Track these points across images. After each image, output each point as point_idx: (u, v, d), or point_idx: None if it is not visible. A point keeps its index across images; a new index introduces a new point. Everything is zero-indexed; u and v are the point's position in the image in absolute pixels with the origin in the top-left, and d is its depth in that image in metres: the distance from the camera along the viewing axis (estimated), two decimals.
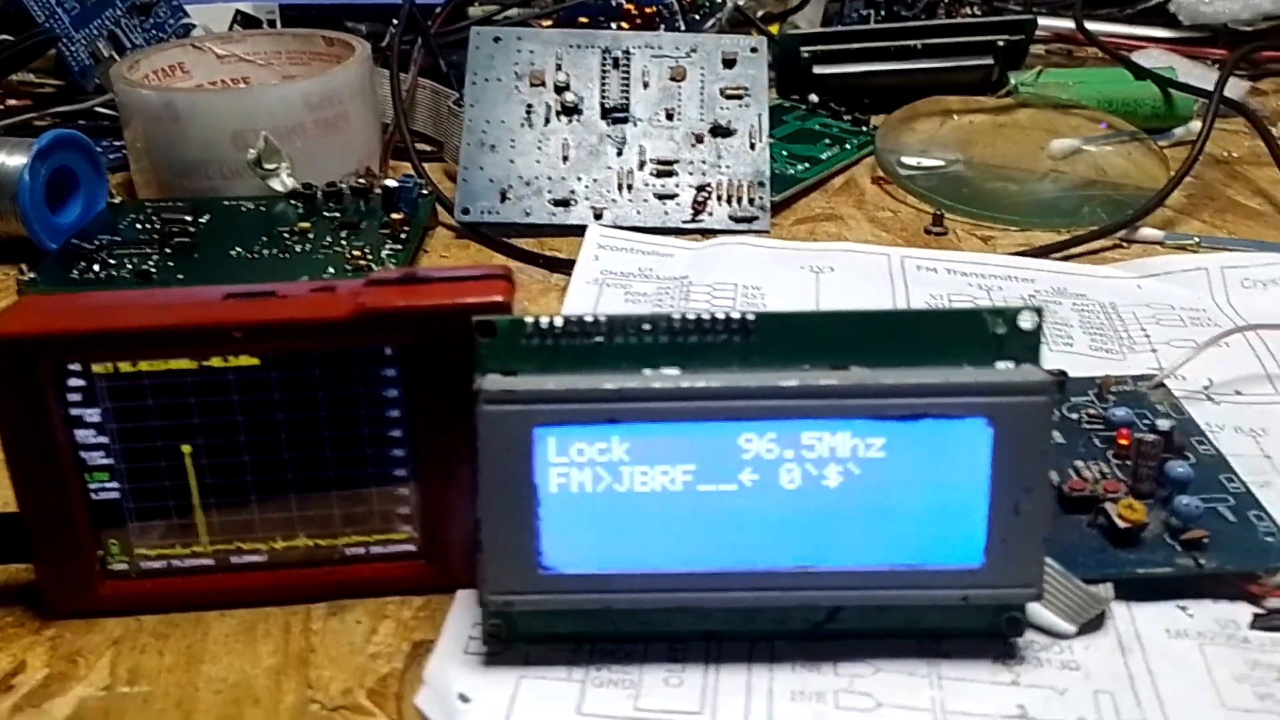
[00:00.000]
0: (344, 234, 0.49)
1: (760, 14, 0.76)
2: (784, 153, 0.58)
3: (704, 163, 0.52)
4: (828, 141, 0.60)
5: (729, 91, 0.54)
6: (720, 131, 0.53)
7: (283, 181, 0.53)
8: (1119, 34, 0.72)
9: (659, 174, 0.52)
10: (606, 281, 0.46)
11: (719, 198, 0.52)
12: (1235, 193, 0.55)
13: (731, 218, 0.52)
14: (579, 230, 0.50)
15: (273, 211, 0.51)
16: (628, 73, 0.54)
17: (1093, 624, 0.29)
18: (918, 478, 0.27)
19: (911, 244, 0.50)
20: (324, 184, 0.52)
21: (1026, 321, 0.28)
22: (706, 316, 0.28)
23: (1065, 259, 0.48)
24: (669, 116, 0.53)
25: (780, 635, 0.29)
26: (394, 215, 0.49)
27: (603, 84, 0.53)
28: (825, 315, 0.28)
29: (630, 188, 0.52)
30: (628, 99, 0.53)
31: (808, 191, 0.55)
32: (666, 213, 0.51)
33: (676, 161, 0.52)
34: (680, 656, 0.28)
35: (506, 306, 0.28)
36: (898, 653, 0.28)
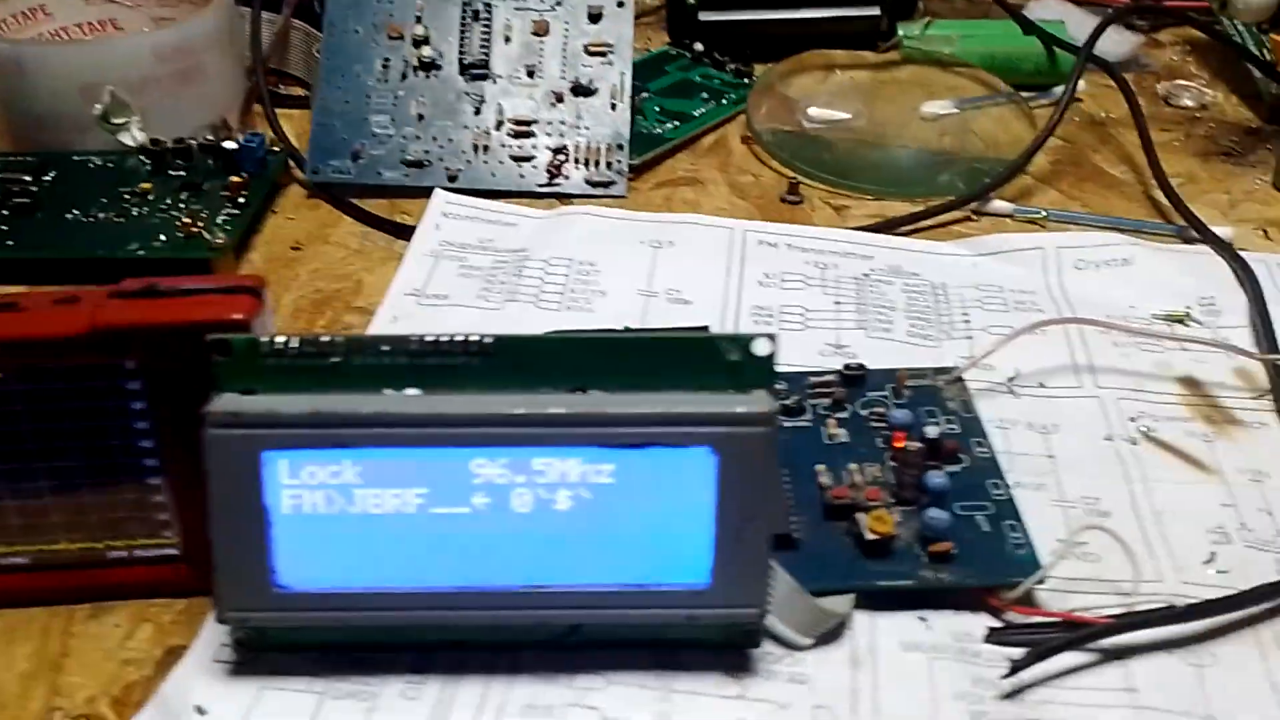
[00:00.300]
0: (184, 196, 0.48)
1: None
2: (657, 109, 0.57)
3: (563, 123, 0.52)
4: (705, 96, 0.59)
5: (592, 48, 0.53)
6: (581, 91, 0.52)
7: (133, 136, 0.52)
8: None
9: (516, 135, 0.52)
10: (444, 254, 0.46)
11: (576, 161, 0.51)
12: (1102, 158, 0.54)
13: (588, 182, 0.51)
14: (433, 192, 0.50)
15: (123, 168, 0.50)
16: (489, 26, 0.53)
17: (830, 635, 0.30)
18: (646, 502, 0.28)
19: (765, 213, 0.50)
20: (175, 139, 0.51)
21: (760, 349, 0.28)
22: (445, 339, 0.28)
23: (913, 233, 0.48)
24: (530, 74, 0.52)
25: (525, 645, 0.30)
26: (234, 178, 0.48)
27: (462, 38, 0.52)
28: (565, 340, 0.28)
29: (486, 149, 0.51)
30: (488, 54, 0.52)
31: (675, 151, 0.54)
32: (522, 175, 0.51)
33: (535, 122, 0.52)
34: (424, 667, 0.29)
35: (245, 325, 0.28)
36: (635, 665, 0.29)
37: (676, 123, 0.56)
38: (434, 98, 0.52)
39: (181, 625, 0.30)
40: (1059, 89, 0.60)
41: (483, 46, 0.52)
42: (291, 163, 0.52)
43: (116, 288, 0.29)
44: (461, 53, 0.52)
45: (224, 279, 0.30)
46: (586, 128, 0.52)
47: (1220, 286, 0.44)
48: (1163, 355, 0.40)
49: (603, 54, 0.53)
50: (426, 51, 0.52)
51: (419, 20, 0.52)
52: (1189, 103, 0.59)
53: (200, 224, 0.46)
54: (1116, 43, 0.63)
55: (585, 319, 0.42)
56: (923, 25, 0.62)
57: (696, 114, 0.57)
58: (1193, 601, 0.30)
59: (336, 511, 0.27)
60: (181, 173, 0.50)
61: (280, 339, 0.28)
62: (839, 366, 0.39)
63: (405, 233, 0.48)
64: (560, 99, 0.52)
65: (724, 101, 0.58)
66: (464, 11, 0.53)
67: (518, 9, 0.53)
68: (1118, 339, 0.41)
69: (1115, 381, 0.39)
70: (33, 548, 0.30)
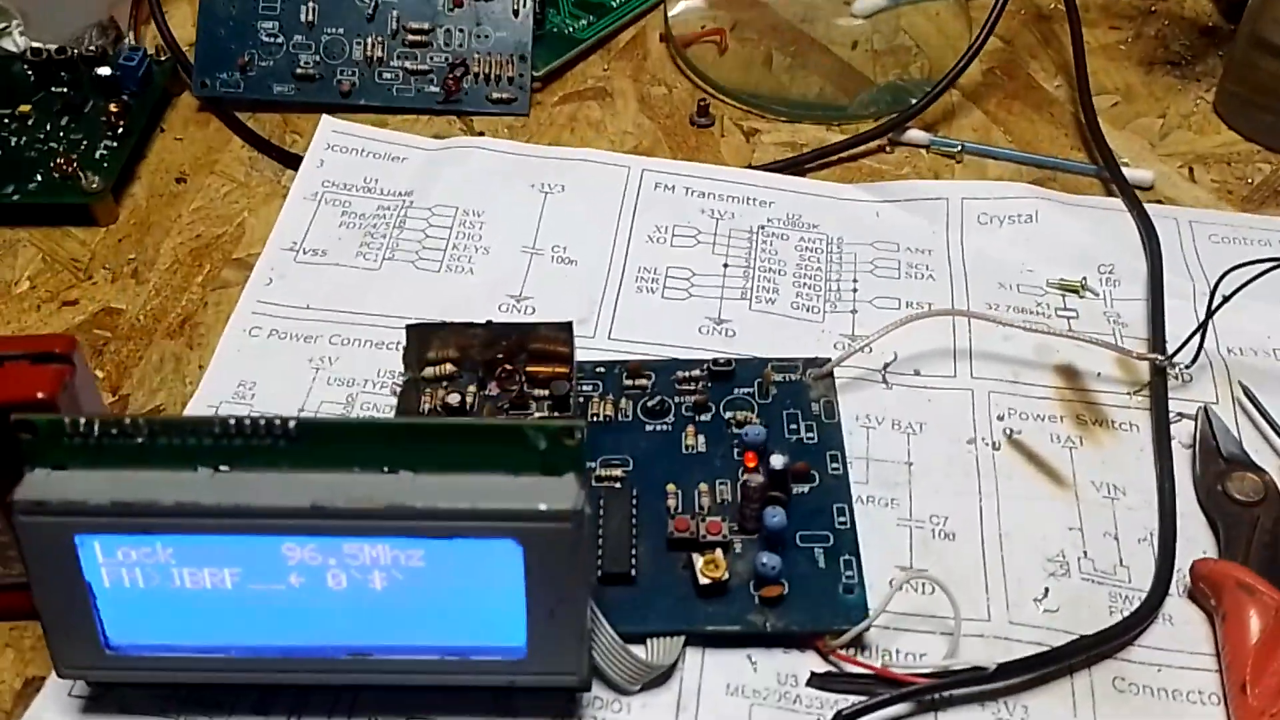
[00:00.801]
0: (65, 121, 0.46)
1: None
2: (570, 1, 0.53)
3: (461, 31, 0.49)
4: None
5: None
6: None
7: (14, 41, 0.49)
8: None
9: (412, 44, 0.49)
10: (326, 196, 0.44)
11: (476, 75, 0.49)
12: (1039, 66, 0.51)
13: (488, 99, 0.49)
14: (326, 108, 0.48)
15: (8, 76, 0.48)
16: None
17: (659, 679, 0.31)
18: (458, 582, 0.28)
19: (671, 138, 0.48)
20: (58, 48, 0.48)
21: (570, 438, 0.27)
22: (248, 422, 0.27)
23: (822, 168, 0.46)
24: None
25: (365, 686, 0.31)
26: (113, 105, 0.46)
27: None
28: (374, 426, 0.28)
29: (381, 61, 0.48)
30: None
31: (588, 53, 0.51)
32: (419, 90, 0.48)
33: (431, 30, 0.49)
34: (269, 707, 0.30)
35: (52, 403, 0.28)
36: (473, 706, 0.30)
37: (591, 18, 0.52)
38: (326, 4, 0.48)
39: (41, 652, 0.31)
40: None
41: None
42: (182, 71, 0.49)
43: None
44: None
45: (34, 341, 0.29)
46: (486, 36, 0.49)
47: (1124, 250, 0.42)
48: (1046, 337, 0.39)
49: None
50: None
51: None
52: None
53: (76, 163, 0.44)
54: None
55: (464, 283, 0.41)
56: None
57: (615, 3, 0.53)
58: (1004, 661, 0.30)
59: (156, 585, 0.28)
60: (64, 89, 0.47)
61: (84, 421, 0.27)
62: (711, 353, 0.38)
63: (293, 161, 0.46)
64: (459, 4, 0.49)
65: None
66: None
67: None
68: (1001, 316, 0.40)
69: (991, 370, 0.39)
70: None
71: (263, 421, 0.27)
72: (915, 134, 0.47)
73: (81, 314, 0.41)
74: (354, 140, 0.46)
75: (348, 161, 0.45)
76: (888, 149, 0.47)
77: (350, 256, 0.42)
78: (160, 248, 0.43)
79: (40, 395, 0.27)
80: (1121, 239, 0.43)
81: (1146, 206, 0.43)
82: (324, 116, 0.47)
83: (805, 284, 0.41)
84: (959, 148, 0.47)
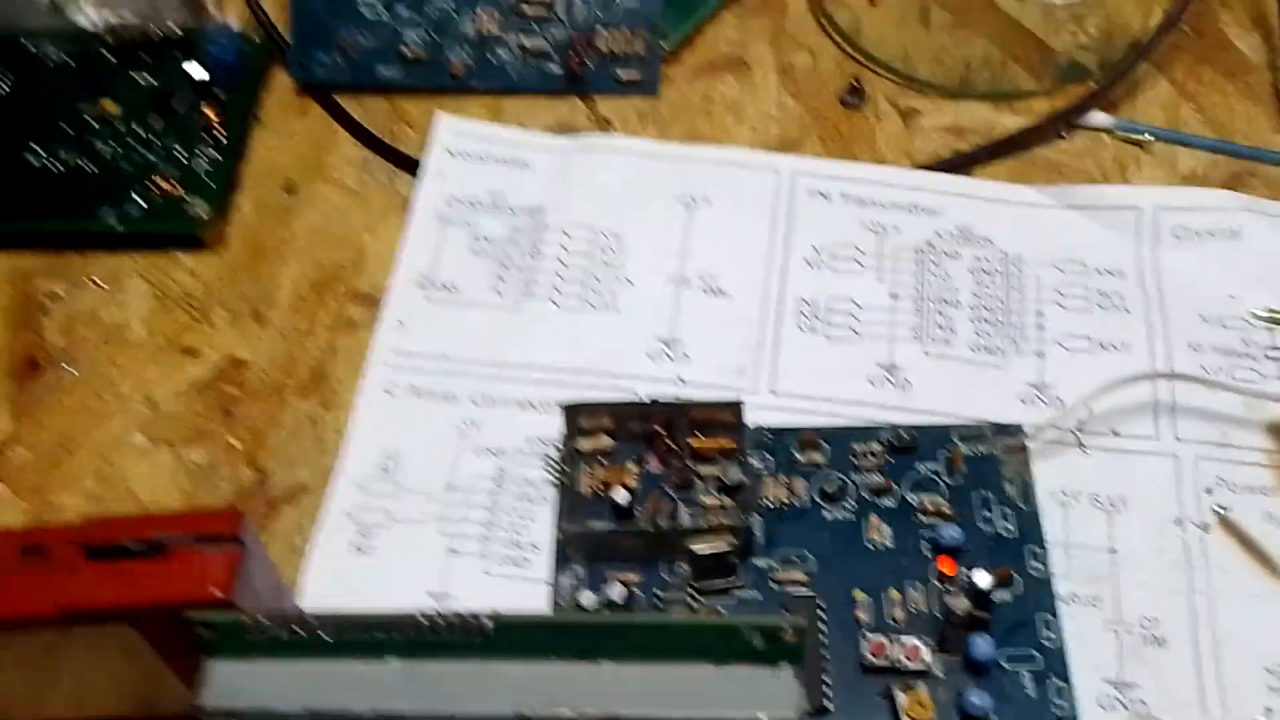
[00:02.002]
0: (152, 120, 0.42)
1: None
2: None
3: (584, 2, 0.43)
4: None
5: None
6: None
7: (87, 15, 0.45)
8: None
9: (529, 18, 0.43)
10: (452, 217, 0.40)
11: (600, 53, 0.44)
12: (1231, 18, 0.45)
13: (615, 80, 0.44)
14: (439, 89, 0.43)
15: (85, 63, 0.44)
16: None
17: None
18: None
19: (821, 120, 0.43)
20: (135, 18, 0.44)
21: (788, 635, 0.25)
22: (442, 621, 0.25)
23: (992, 158, 0.41)
24: None
25: None
26: (207, 109, 0.42)
27: None
28: (572, 626, 0.26)
29: (495, 38, 0.43)
30: None
31: (719, 11, 0.46)
32: (540, 70, 0.44)
33: (549, 3, 0.43)
34: None
35: (227, 601, 0.26)
36: None
37: None
38: None
39: None
40: None
41: None
42: (274, 43, 0.45)
43: (86, 537, 0.26)
44: None
45: (197, 521, 0.26)
46: (612, 6, 0.43)
47: None
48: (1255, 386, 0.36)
49: None
50: None
51: None
52: None
53: (178, 183, 0.40)
54: None
55: (609, 325, 0.38)
56: None
57: None
58: None
59: None
60: (147, 79, 0.43)
61: (268, 621, 0.25)
62: (886, 410, 0.35)
63: (407, 163, 0.42)
64: None
65: None
66: None
67: None
68: (1205, 360, 0.36)
69: (1196, 430, 0.35)
70: None
71: (457, 620, 0.25)
72: (1097, 116, 0.42)
73: (205, 366, 0.38)
74: (474, 143, 0.42)
75: (469, 170, 0.41)
76: (1065, 134, 0.42)
77: (484, 292, 0.39)
78: (278, 279, 0.40)
79: (215, 593, 0.25)
80: None
81: None
82: (438, 114, 0.42)
83: (983, 318, 0.38)
84: (1146, 135, 0.42)
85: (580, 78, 0.44)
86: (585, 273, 0.39)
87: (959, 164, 0.41)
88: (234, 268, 0.40)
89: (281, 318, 0.39)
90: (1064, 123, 0.42)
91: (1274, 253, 0.38)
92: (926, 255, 0.39)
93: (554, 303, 0.38)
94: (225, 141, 0.42)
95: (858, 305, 0.38)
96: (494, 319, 0.38)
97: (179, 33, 0.44)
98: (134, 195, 0.41)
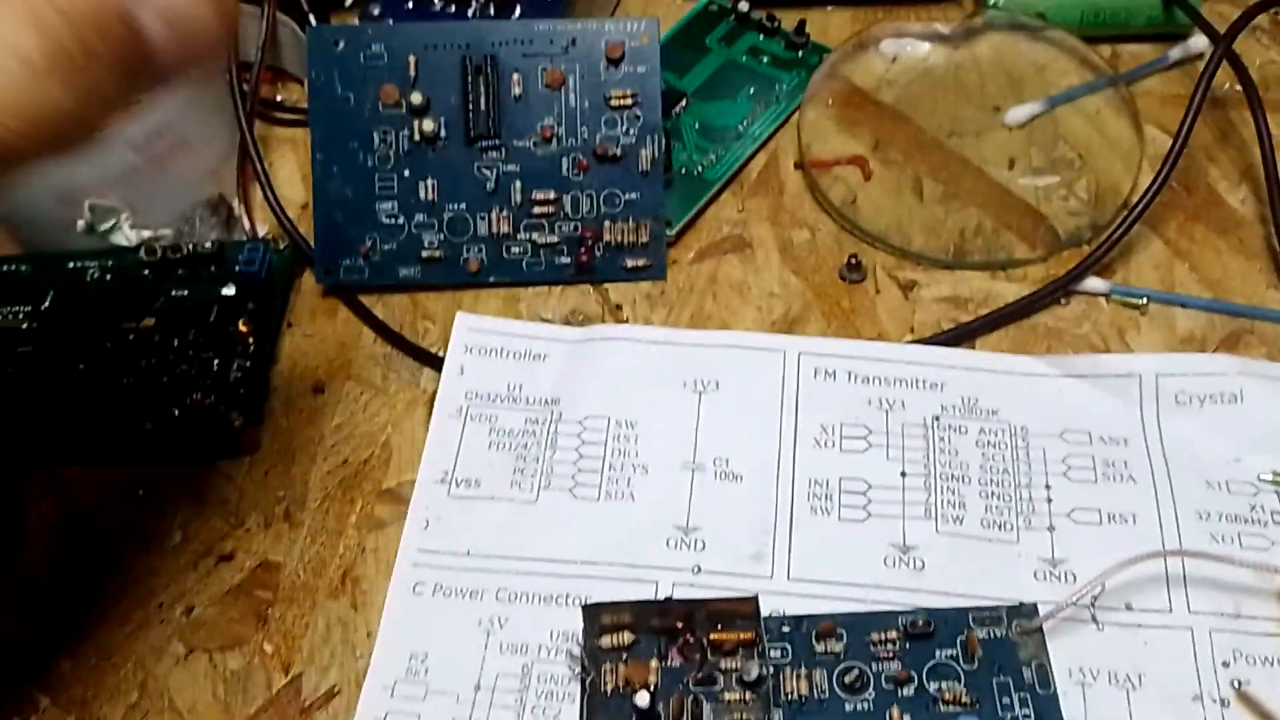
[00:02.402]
0: (191, 335, 0.44)
1: None
2: (695, 125, 0.50)
3: (590, 197, 0.45)
4: (751, 91, 0.51)
5: (615, 100, 0.45)
6: (606, 158, 0.45)
7: (126, 236, 0.47)
8: None
9: (539, 215, 0.46)
10: (471, 411, 0.42)
11: (608, 244, 0.45)
12: (1219, 172, 0.46)
13: (623, 268, 0.46)
14: (457, 285, 0.46)
15: (124, 274, 0.46)
16: (495, 84, 0.45)
17: None
18: None
19: (822, 296, 0.44)
20: (171, 233, 0.47)
21: None
22: None
23: (993, 328, 0.43)
24: (547, 140, 0.45)
25: None
26: (241, 325, 0.44)
27: (467, 100, 0.45)
28: None
29: (508, 235, 0.46)
30: (498, 120, 0.45)
31: (719, 193, 0.48)
32: (551, 262, 0.46)
33: (559, 200, 0.45)
34: None
35: None
36: None
37: (719, 150, 0.49)
38: (443, 177, 0.45)
39: None
40: (1174, 51, 0.51)
41: (490, 108, 0.45)
42: (300, 246, 0.47)
43: None
44: (469, 117, 0.45)
45: None
46: (616, 200, 0.46)
47: None
48: (1267, 555, 0.36)
49: (627, 106, 0.45)
50: (428, 125, 0.45)
51: (414, 82, 0.45)
52: None
53: (214, 397, 0.42)
54: None
55: (626, 513, 0.39)
56: None
57: (742, 127, 0.50)
58: None
59: None
60: (183, 290, 0.46)
61: None
62: (901, 593, 0.36)
63: (430, 359, 0.44)
64: (584, 168, 0.45)
65: (778, 93, 0.51)
66: (465, 64, 0.45)
67: (525, 55, 0.45)
68: (1213, 528, 0.37)
69: (1209, 601, 0.36)
70: None
71: None
72: (1094, 282, 0.43)
73: (240, 571, 0.40)
74: (491, 338, 0.44)
75: (488, 366, 0.43)
76: (1062, 300, 0.43)
77: (505, 487, 0.40)
78: (309, 479, 0.42)
79: None
80: None
81: None
82: (458, 314, 0.44)
83: (993, 493, 0.39)
84: (1145, 301, 0.43)
85: (590, 267, 0.46)
86: (601, 462, 0.40)
87: (960, 336, 0.42)
88: (267, 470, 0.42)
89: (312, 519, 0.41)
90: (1061, 290, 0.43)
91: (1276, 416, 0.39)
92: (933, 430, 0.40)
93: (572, 493, 0.40)
94: (256, 350, 0.44)
95: (868, 484, 0.39)
96: (514, 512, 0.39)
97: (212, 247, 0.46)
98: (172, 408, 0.43)
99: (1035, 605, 0.35)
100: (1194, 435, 0.39)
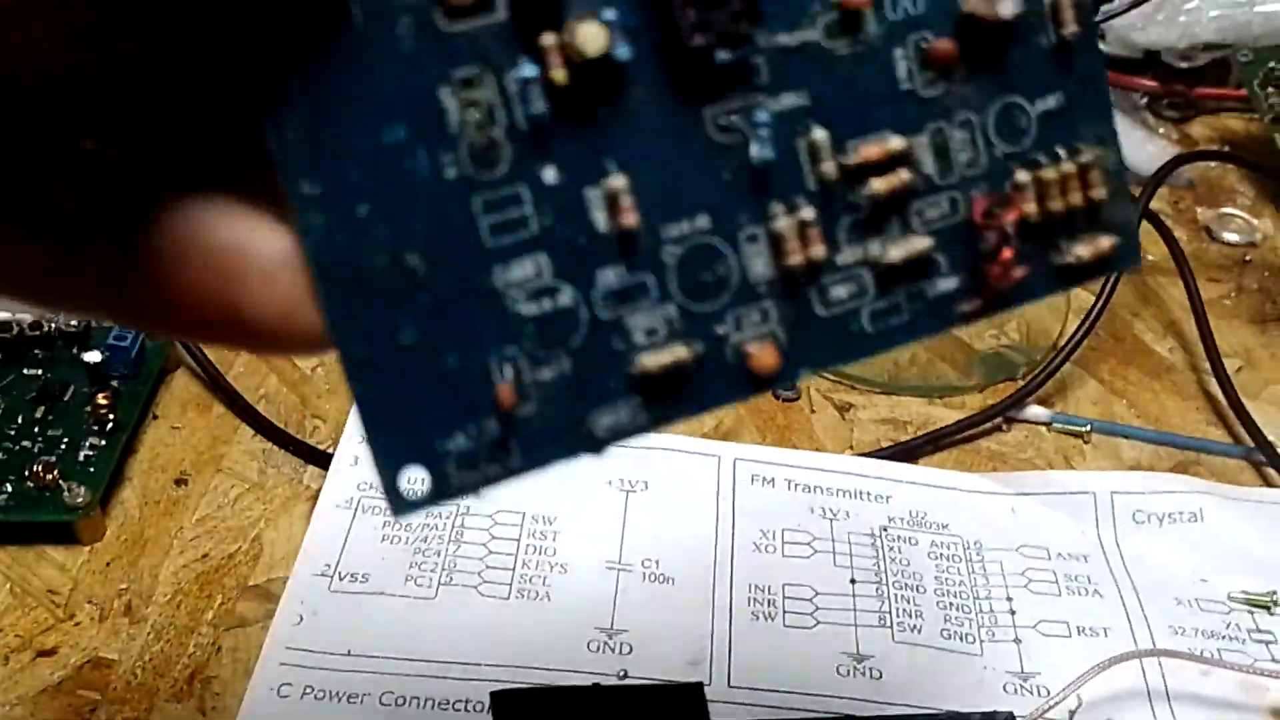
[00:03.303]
0: (40, 412, 0.38)
1: None
2: None
3: (968, 123, 0.17)
4: None
5: None
6: (982, 31, 0.16)
7: None
8: None
9: (873, 202, 0.16)
10: (363, 502, 0.37)
11: (1028, 224, 0.17)
12: (1145, 326, 0.46)
13: (1067, 269, 0.18)
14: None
15: None
16: None
17: None
18: None
19: (756, 413, 0.41)
20: (29, 320, 0.42)
21: None
22: None
23: (935, 447, 0.40)
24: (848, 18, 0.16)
25: None
26: (101, 396, 0.38)
27: None
28: None
29: (825, 265, 0.16)
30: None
31: None
32: (927, 296, 0.17)
33: (905, 154, 0.16)
34: None
35: None
36: None
37: None
38: (643, 168, 0.14)
39: None
40: None
41: None
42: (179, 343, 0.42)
43: None
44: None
45: None
46: (1023, 113, 0.11)
47: None
48: (1253, 675, 0.33)
49: None
50: (592, 42, 0.14)
51: None
52: (1235, 238, 0.51)
53: (57, 470, 0.36)
54: (1145, 153, 0.55)
55: (541, 614, 0.34)
56: None
57: None
58: None
59: None
60: (39, 370, 0.40)
61: None
62: (859, 704, 0.31)
63: (318, 457, 0.39)
64: (948, 59, 0.16)
65: None
66: None
67: None
68: (1190, 643, 0.34)
69: (1194, 717, 0.32)
70: None
71: None
72: (1034, 410, 0.41)
73: (61, 668, 0.32)
74: None
75: None
76: (1004, 428, 0.41)
77: (399, 582, 0.34)
78: (159, 573, 0.35)
79: None
80: None
81: None
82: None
83: (952, 604, 0.35)
84: (1088, 427, 0.41)
85: (1012, 283, 0.41)
86: (513, 558, 0.35)
87: (902, 453, 0.40)
88: (108, 561, 0.35)
89: (159, 614, 0.34)
90: (1001, 416, 0.41)
91: (1241, 538, 0.37)
92: (882, 540, 0.36)
93: (478, 590, 0.34)
94: (113, 428, 0.38)
95: (814, 590, 0.35)
96: (408, 608, 0.34)
97: (76, 326, 0.41)
98: (5, 486, 0.36)
99: (1011, 713, 0.31)
100: (1157, 555, 0.36)
